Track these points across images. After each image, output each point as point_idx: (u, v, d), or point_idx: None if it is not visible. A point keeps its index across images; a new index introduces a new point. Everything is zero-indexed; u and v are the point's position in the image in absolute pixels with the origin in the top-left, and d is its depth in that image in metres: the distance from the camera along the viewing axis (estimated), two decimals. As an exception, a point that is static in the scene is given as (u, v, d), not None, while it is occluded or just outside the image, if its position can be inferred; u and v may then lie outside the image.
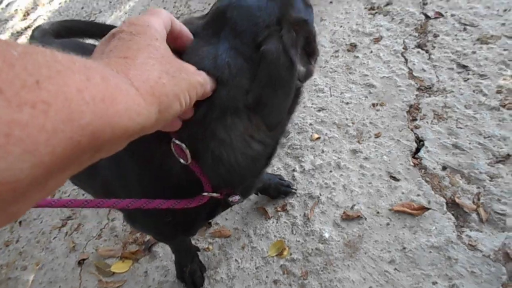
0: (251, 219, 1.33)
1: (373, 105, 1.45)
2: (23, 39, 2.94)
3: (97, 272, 1.40)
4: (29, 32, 2.74)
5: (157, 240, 1.33)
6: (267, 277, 1.19)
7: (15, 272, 1.54)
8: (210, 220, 1.37)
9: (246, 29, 0.59)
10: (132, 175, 0.75)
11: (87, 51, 1.22)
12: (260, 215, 1.33)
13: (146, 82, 0.36)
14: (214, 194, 0.67)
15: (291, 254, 1.21)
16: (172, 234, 0.97)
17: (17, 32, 3.09)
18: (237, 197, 0.74)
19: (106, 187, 0.84)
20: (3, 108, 0.22)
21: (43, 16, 3.11)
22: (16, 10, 3.38)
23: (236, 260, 1.26)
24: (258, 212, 1.34)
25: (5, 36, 3.13)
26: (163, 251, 1.35)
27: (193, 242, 1.31)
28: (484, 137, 1.23)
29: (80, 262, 1.45)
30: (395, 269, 1.07)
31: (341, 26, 1.78)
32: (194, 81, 0.45)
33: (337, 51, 1.69)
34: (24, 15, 3.26)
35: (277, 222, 1.29)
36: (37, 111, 0.24)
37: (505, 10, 1.50)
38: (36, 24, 3.07)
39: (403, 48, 1.56)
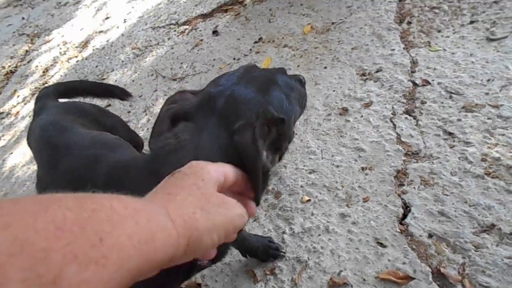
0: (240, 282, 1.34)
1: (362, 168, 1.49)
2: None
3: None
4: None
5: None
6: None
7: None
8: (199, 281, 1.38)
9: (229, 118, 0.69)
10: None
11: (87, 114, 1.30)
12: (249, 278, 1.33)
13: (181, 216, 0.41)
14: None
15: (277, 320, 1.20)
16: None
17: (36, 88, 3.27)
18: (205, 261, 0.78)
19: None
20: (76, 271, 0.27)
21: (60, 73, 3.31)
22: (37, 66, 3.60)
23: (223, 325, 1.25)
24: (247, 275, 1.34)
25: (25, 91, 3.31)
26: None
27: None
28: (469, 205, 1.25)
29: None
30: None
31: (334, 91, 1.87)
32: (232, 214, 0.48)
33: (329, 114, 1.76)
34: (44, 72, 3.46)
35: (265, 286, 1.29)
36: (99, 267, 0.29)
37: (488, 80, 1.57)
38: (54, 80, 3.26)
39: (392, 114, 1.63)
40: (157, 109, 2.42)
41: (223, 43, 2.62)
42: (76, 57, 3.45)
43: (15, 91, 3.42)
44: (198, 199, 0.44)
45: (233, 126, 0.67)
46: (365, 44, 2.03)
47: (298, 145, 1.68)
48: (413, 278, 1.13)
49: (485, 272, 1.08)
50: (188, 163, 0.51)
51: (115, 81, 2.85)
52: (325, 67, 2.03)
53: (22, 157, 2.66)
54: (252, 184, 0.64)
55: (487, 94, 1.53)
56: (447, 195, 1.30)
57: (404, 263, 1.19)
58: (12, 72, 3.78)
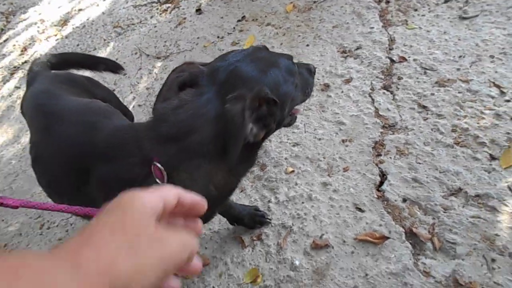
0: (229, 248, 1.42)
1: (343, 141, 1.58)
2: (20, 74, 3.07)
3: None
4: (26, 66, 2.87)
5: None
6: (241, 303, 1.27)
7: None
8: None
9: (226, 89, 0.78)
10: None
11: (78, 84, 1.33)
12: (237, 244, 1.42)
13: (96, 262, 0.32)
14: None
15: (264, 281, 1.29)
16: None
17: (14, 67, 3.21)
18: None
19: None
20: None
21: (39, 51, 3.25)
22: (14, 45, 3.53)
23: (212, 287, 1.34)
24: (235, 241, 1.43)
25: (3, 70, 3.25)
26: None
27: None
28: (440, 172, 1.36)
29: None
30: (358, 294, 1.16)
31: (316, 67, 1.93)
32: (170, 249, 0.38)
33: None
34: (22, 51, 3.40)
35: (252, 251, 1.38)
36: None
37: (460, 56, 1.67)
38: (33, 59, 3.21)
39: (371, 89, 1.71)
40: (142, 86, 2.44)
41: (206, 22, 2.64)
42: (56, 35, 3.39)
43: (-7, 70, 3.35)
44: (123, 238, 0.35)
45: (227, 96, 0.75)
46: (345, 23, 2.09)
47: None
48: (388, 238, 1.24)
49: (452, 230, 1.20)
50: (118, 195, 0.41)
51: (98, 59, 2.84)
52: (307, 45, 2.09)
53: (5, 136, 2.65)
54: (229, 153, 0.72)
55: (458, 70, 1.63)
56: (420, 163, 1.41)
57: (380, 225, 1.29)
58: (-12, 51, 3.70)
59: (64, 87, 1.19)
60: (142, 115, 2.21)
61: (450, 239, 1.18)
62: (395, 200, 1.34)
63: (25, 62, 3.21)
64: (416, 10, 1.99)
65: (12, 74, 3.18)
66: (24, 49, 3.41)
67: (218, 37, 2.49)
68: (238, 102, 0.74)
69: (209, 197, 0.80)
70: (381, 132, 1.55)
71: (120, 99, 2.40)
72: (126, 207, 0.39)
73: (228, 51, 0.90)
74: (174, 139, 0.77)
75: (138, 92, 2.42)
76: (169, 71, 2.27)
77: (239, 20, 2.53)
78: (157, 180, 0.76)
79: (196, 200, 0.48)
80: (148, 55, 2.64)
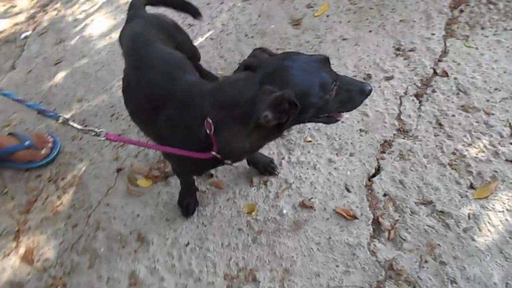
0: (240, 182, 1.82)
1: (360, 130, 1.85)
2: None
3: (128, 180, 1.97)
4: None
5: (174, 173, 1.86)
6: (235, 224, 1.70)
7: (74, 160, 2.16)
8: (212, 172, 1.88)
9: (267, 81, 1.07)
10: (178, 133, 1.27)
11: (166, 29, 1.69)
12: (247, 182, 1.82)
13: None
14: (217, 155, 1.21)
15: (257, 215, 1.70)
16: (187, 171, 1.58)
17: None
18: (229, 161, 1.28)
19: (160, 136, 1.37)
20: None
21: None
22: None
23: (220, 206, 1.77)
24: (247, 179, 1.82)
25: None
26: (175, 182, 1.89)
27: (196, 184, 1.82)
28: (424, 183, 1.61)
29: (118, 170, 2.03)
30: (317, 249, 1.54)
31: (368, 55, 2.13)
32: None
33: (355, 76, 2.05)
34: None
35: (256, 191, 1.77)
36: None
37: (495, 89, 1.80)
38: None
39: (404, 93, 1.91)
40: (218, 21, 2.74)
41: (292, -24, 2.79)
42: None
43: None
44: None
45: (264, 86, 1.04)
46: (412, 20, 2.20)
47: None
48: (357, 218, 1.57)
49: (408, 230, 1.50)
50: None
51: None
52: (370, 31, 2.24)
53: (101, 27, 3.12)
54: (248, 125, 1.03)
55: (487, 101, 1.78)
56: (412, 170, 1.66)
57: (357, 207, 1.61)
58: None
59: (155, 32, 1.55)
60: (211, 49, 2.55)
61: (403, 236, 1.49)
62: (378, 192, 1.64)
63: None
64: (483, 28, 2.05)
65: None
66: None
67: (296, -7, 2.67)
68: (267, 94, 1.02)
69: (240, 149, 1.16)
70: (394, 134, 1.79)
71: (198, 27, 2.73)
72: None
73: (293, 52, 1.16)
74: (224, 106, 1.11)
75: (213, 25, 2.73)
76: (245, 14, 2.52)
77: (321, -17, 2.66)
78: (207, 131, 1.13)
79: None
80: (232, -8, 2.89)
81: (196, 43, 2.55)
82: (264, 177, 1.81)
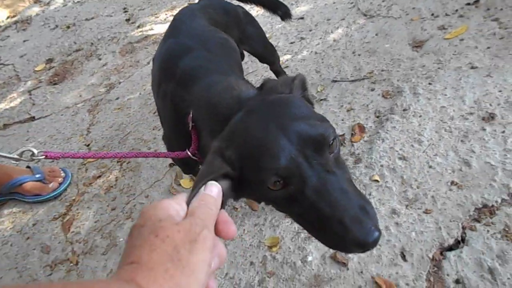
0: (275, 210, 1.49)
1: (451, 183, 1.31)
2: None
3: (174, 177, 1.85)
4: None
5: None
6: (250, 256, 1.37)
7: (144, 147, 2.17)
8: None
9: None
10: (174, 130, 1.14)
11: (230, 15, 1.52)
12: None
13: (154, 281, 0.36)
14: (191, 156, 0.97)
15: (277, 252, 1.34)
16: (184, 169, 1.47)
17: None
18: None
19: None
20: None
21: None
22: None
23: (244, 230, 1.47)
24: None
25: None
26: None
27: (231, 201, 1.57)
28: (529, 285, 1.00)
29: (171, 165, 1.94)
30: (330, 322, 1.10)
31: (500, 91, 1.54)
32: (207, 245, 0.42)
33: (471, 113, 1.50)
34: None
35: (290, 224, 1.42)
36: None
37: None
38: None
39: (538, 146, 1.28)
40: (331, 36, 2.46)
41: (433, -7, 2.33)
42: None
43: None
44: (163, 250, 0.38)
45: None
46: None
47: (408, 127, 1.54)
48: (399, 300, 1.07)
49: None
50: (141, 211, 0.45)
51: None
52: (513, 62, 1.64)
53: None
54: None
55: None
56: (515, 259, 1.06)
57: (407, 284, 1.11)
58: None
59: (209, 12, 1.39)
60: (311, 62, 2.27)
61: None
62: (447, 274, 1.10)
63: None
64: None
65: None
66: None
67: (432, 14, 2.19)
68: (216, 156, 0.75)
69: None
70: (503, 199, 1.20)
71: (308, 41, 2.50)
72: (152, 218, 0.43)
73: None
74: (209, 106, 0.91)
75: (324, 40, 2.45)
76: (362, 31, 2.18)
77: (468, 4, 2.13)
78: (189, 123, 0.95)
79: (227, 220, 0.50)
80: (359, 9, 2.58)
81: (298, 56, 2.34)
82: (305, 209, 1.44)
